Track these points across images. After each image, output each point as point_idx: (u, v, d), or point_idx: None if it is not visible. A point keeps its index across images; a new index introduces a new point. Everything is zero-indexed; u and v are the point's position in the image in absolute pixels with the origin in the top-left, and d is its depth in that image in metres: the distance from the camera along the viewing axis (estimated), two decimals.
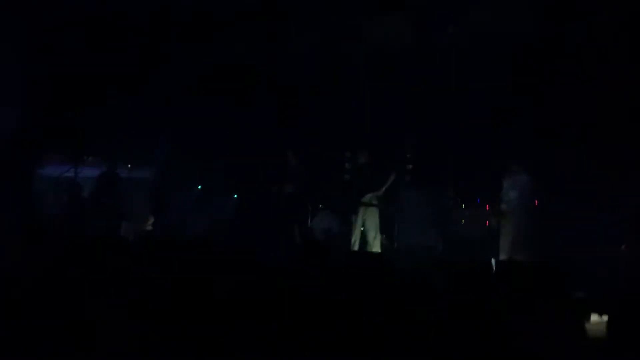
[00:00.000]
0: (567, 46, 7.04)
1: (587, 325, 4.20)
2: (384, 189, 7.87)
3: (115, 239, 6.31)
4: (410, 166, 8.46)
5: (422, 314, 3.91)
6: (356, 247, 7.72)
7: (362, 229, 7.84)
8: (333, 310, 3.81)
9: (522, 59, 7.27)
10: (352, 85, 8.20)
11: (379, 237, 7.83)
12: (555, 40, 7.08)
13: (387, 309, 3.92)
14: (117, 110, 8.16)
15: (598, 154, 6.97)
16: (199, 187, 8.97)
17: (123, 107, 8.14)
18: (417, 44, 7.69)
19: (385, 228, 8.23)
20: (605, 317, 4.32)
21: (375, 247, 7.76)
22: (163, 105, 8.23)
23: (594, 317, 4.67)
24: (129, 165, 8.74)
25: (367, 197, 7.85)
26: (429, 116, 8.17)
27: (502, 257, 7.06)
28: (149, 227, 8.25)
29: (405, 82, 8.03)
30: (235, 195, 8.70)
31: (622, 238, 6.67)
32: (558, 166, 7.33)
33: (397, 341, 3.53)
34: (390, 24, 7.79)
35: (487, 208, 7.56)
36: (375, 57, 8.03)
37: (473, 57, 7.55)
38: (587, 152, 7.05)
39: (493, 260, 6.73)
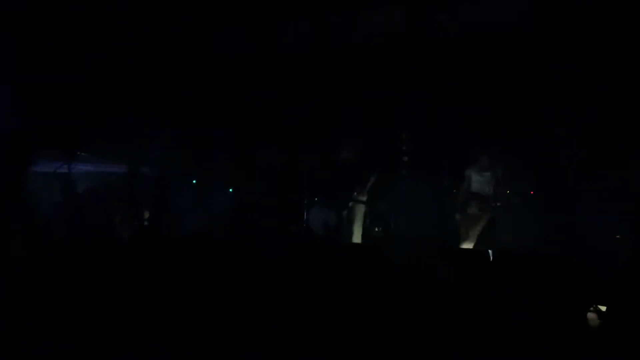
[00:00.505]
0: (559, 38, 7.05)
1: (583, 316, 4.24)
2: (372, 183, 7.89)
3: (114, 236, 6.31)
4: (405, 159, 8.48)
5: (418, 304, 3.94)
6: (344, 240, 7.76)
7: (349, 222, 7.87)
8: (329, 303, 3.83)
9: (518, 52, 7.28)
10: (343, 80, 8.20)
11: (361, 230, 7.87)
12: (547, 32, 7.09)
13: (382, 300, 3.95)
14: (113, 106, 8.12)
15: (593, 146, 7.01)
16: (194, 181, 8.95)
17: (119, 103, 8.11)
18: (407, 37, 7.68)
19: (380, 221, 8.26)
20: (601, 308, 4.35)
21: (358, 240, 7.81)
22: (159, 101, 8.20)
23: (591, 308, 4.68)
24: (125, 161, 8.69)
25: (355, 192, 7.87)
26: (422, 109, 8.19)
27: (498, 247, 7.11)
28: (145, 223, 8.23)
29: (397, 76, 8.04)
30: (231, 190, 8.69)
31: (617, 229, 6.72)
32: (554, 157, 7.37)
33: (393, 332, 3.56)
34: (380, 16, 7.78)
35: (483, 200, 7.59)
36: (367, 51, 8.02)
37: (465, 49, 7.54)
38: (583, 143, 7.10)
39: (490, 251, 6.78)
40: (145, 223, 8.11)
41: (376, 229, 8.26)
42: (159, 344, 3.33)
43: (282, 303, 3.89)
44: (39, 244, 4.29)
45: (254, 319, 3.67)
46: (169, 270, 4.17)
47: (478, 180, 7.52)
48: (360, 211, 7.94)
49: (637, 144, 6.69)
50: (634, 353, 3.46)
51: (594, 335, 3.91)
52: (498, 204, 7.41)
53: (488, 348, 3.47)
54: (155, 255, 4.43)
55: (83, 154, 8.34)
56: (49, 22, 7.21)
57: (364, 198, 7.97)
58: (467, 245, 7.48)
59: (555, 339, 3.59)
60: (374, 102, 8.21)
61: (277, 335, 3.51)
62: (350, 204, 7.92)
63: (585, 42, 6.83)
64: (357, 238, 7.92)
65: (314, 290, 4.04)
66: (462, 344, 3.43)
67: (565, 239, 6.76)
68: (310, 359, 3.31)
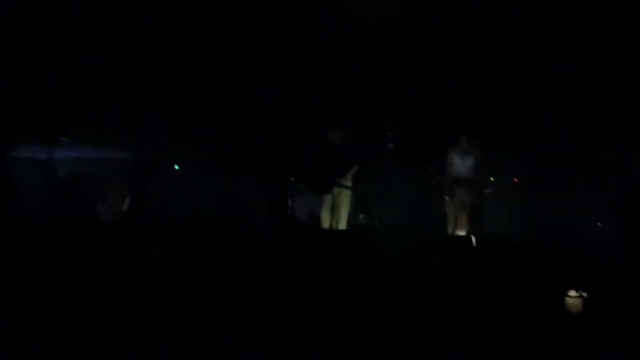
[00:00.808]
0: (544, 27, 7.09)
1: (563, 302, 4.29)
2: (357, 170, 7.87)
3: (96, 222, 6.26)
4: (391, 145, 8.48)
5: (402, 290, 3.96)
6: (326, 227, 7.72)
7: (333, 209, 7.85)
8: (315, 291, 3.84)
9: (502, 40, 7.30)
10: (331, 67, 8.16)
11: (346, 217, 7.85)
12: (533, 21, 7.12)
13: (367, 287, 3.98)
14: (94, 90, 8.03)
15: (577, 134, 7.08)
16: (176, 167, 8.88)
17: (102, 87, 8.01)
18: (398, 23, 7.66)
19: (364, 208, 8.28)
20: (582, 294, 4.41)
21: (343, 226, 7.79)
22: (143, 84, 8.10)
23: (571, 294, 4.74)
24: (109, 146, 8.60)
25: (341, 178, 7.84)
26: (408, 96, 8.20)
27: (481, 233, 7.17)
28: (126, 210, 8.16)
29: (382, 64, 8.03)
30: (216, 177, 8.64)
31: (599, 217, 6.83)
32: (538, 145, 7.43)
33: (378, 320, 3.58)
34: (368, 4, 7.74)
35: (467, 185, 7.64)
36: (352, 38, 7.98)
37: (449, 36, 7.55)
38: (567, 132, 7.17)
39: (473, 238, 6.83)
40: (130, 210, 8.04)
41: (361, 216, 8.27)
42: (145, 337, 3.32)
43: (267, 291, 3.89)
44: (20, 232, 4.23)
45: (236, 310, 3.67)
46: (153, 258, 4.16)
47: (461, 165, 7.54)
48: (345, 198, 7.93)
49: (620, 133, 6.78)
50: (615, 337, 3.52)
51: (574, 319, 3.96)
52: (485, 190, 7.46)
53: (474, 334, 3.50)
54: (140, 244, 4.40)
55: (66, 139, 8.24)
56: (28, 11, 7.09)
57: (349, 185, 7.96)
58: (451, 231, 7.53)
59: (537, 323, 3.64)
60: (360, 89, 8.20)
61: (261, 324, 3.51)
62: (336, 190, 7.90)
63: (572, 32, 6.87)
64: (342, 225, 7.92)
65: (299, 278, 4.05)
66: (448, 332, 3.46)
67: (548, 225, 6.84)
68: (297, 349, 3.32)
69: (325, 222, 7.77)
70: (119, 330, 3.34)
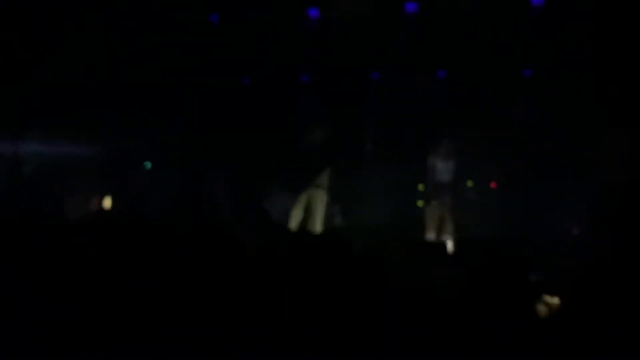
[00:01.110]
0: (535, 24, 7.11)
1: (539, 305, 4.27)
2: (334, 170, 7.81)
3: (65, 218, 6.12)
4: (369, 146, 8.46)
5: (377, 294, 3.90)
6: (298, 228, 7.63)
7: (306, 209, 7.77)
8: (287, 292, 3.77)
9: (485, 38, 7.32)
10: (309, 60, 8.11)
11: (322, 218, 7.77)
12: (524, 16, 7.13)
13: (340, 290, 3.91)
14: (65, 83, 7.86)
15: (554, 136, 7.13)
16: (149, 164, 8.76)
17: (71, 79, 7.85)
18: (376, 18, 7.63)
19: (341, 209, 8.23)
20: (556, 299, 4.39)
21: (319, 228, 7.71)
22: (115, 76, 7.96)
23: (546, 297, 4.72)
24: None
25: (316, 177, 7.77)
26: (387, 93, 8.19)
27: (459, 236, 7.19)
28: (97, 206, 8.04)
29: (362, 60, 8.01)
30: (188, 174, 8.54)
31: (575, 219, 6.87)
32: (515, 148, 7.47)
33: (351, 323, 3.51)
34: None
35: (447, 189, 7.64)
36: (330, 33, 7.94)
37: (431, 32, 7.54)
38: (544, 134, 7.21)
39: (449, 241, 6.83)
40: (100, 207, 7.90)
41: (336, 218, 8.23)
42: (117, 335, 3.21)
43: (238, 292, 3.80)
44: None
45: (205, 310, 3.57)
46: (126, 257, 4.04)
47: (442, 169, 7.54)
48: (321, 198, 7.86)
49: (600, 137, 6.83)
50: (586, 346, 3.49)
51: (545, 326, 3.94)
52: (465, 193, 7.47)
53: (446, 337, 3.45)
54: (111, 242, 4.28)
55: (32, 133, 8.06)
56: None
57: (326, 185, 7.90)
58: (429, 235, 7.51)
59: (508, 329, 3.60)
60: (338, 86, 8.17)
61: (236, 324, 3.43)
62: (311, 190, 7.83)
63: (555, 30, 6.90)
64: (318, 226, 7.85)
65: (271, 279, 3.97)
66: (422, 334, 3.40)
67: (524, 230, 6.87)
68: (270, 349, 3.24)
69: (299, 223, 7.70)
70: (87, 330, 3.24)
